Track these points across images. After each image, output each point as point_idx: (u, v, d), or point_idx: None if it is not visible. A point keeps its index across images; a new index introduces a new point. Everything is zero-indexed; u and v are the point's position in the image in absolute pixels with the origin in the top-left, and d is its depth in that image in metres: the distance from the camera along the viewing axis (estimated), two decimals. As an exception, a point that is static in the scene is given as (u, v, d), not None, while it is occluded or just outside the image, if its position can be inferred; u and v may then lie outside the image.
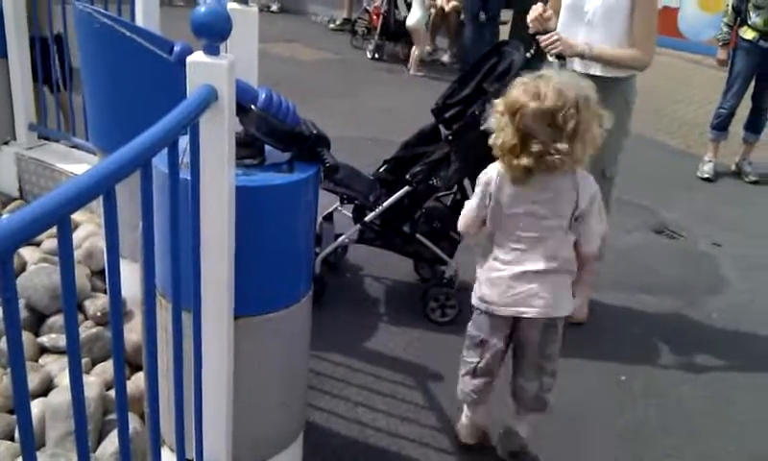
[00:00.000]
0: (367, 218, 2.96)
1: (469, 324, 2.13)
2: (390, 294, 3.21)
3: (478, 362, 2.09)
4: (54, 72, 3.25)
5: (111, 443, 1.87)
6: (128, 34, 1.92)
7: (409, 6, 7.47)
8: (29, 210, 0.86)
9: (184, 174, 1.34)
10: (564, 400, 2.46)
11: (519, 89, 1.85)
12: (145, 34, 1.93)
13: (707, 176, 5.26)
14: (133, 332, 2.17)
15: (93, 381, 2.01)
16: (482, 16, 6.82)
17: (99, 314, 2.33)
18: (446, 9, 7.79)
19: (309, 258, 1.84)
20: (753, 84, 5.15)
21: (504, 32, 7.06)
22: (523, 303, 1.96)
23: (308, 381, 2.11)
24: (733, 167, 5.46)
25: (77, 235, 2.69)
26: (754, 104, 5.23)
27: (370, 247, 3.12)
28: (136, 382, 2.06)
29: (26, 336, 2.19)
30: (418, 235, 2.97)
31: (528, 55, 2.79)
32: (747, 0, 4.97)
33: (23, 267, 2.48)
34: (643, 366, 2.89)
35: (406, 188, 2.89)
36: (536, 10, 2.79)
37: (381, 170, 3.19)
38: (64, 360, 2.03)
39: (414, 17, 7.28)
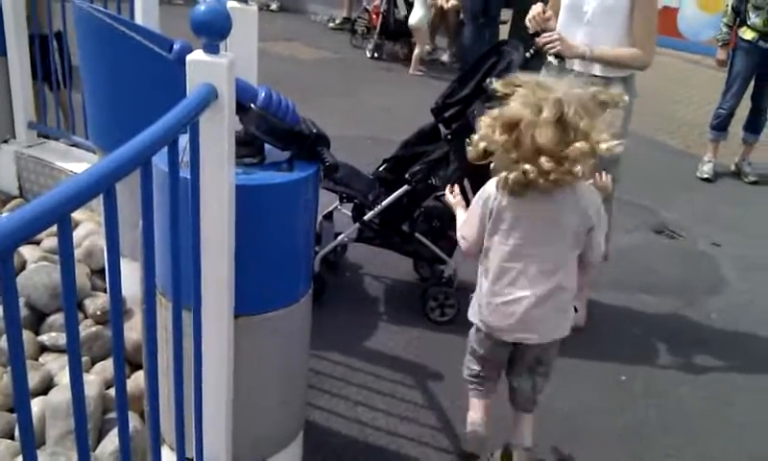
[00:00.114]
0: (366, 217, 2.96)
1: (471, 334, 2.09)
2: (389, 293, 3.21)
3: (479, 371, 2.10)
4: (53, 70, 3.25)
5: (111, 441, 1.87)
6: (127, 32, 1.91)
7: (408, 5, 7.46)
8: (29, 209, 0.86)
9: (184, 172, 1.34)
10: (564, 400, 2.46)
11: (519, 102, 1.76)
12: (144, 32, 1.93)
13: (706, 176, 5.26)
14: (133, 331, 2.17)
15: (93, 380, 2.01)
16: (481, 19, 6.83)
17: (99, 313, 2.33)
18: (446, 7, 7.78)
19: (309, 257, 1.84)
20: (752, 84, 5.15)
21: (504, 31, 7.05)
22: (525, 328, 1.92)
23: (308, 380, 2.11)
24: (733, 167, 5.46)
25: (77, 234, 2.69)
26: (753, 104, 5.23)
27: (369, 246, 3.12)
28: (136, 381, 2.06)
29: (26, 335, 2.19)
30: (417, 234, 2.97)
31: (528, 54, 2.79)
32: (746, 0, 4.97)
33: (23, 265, 2.48)
34: (643, 366, 2.89)
35: (405, 187, 2.89)
36: (535, 9, 2.79)
37: (381, 169, 3.20)
38: (64, 359, 2.03)
39: (416, 16, 7.28)
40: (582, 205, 1.85)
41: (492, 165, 1.86)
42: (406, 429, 2.35)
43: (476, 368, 2.10)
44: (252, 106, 1.59)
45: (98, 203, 1.53)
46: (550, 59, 2.77)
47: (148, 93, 1.67)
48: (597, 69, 2.76)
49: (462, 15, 7.70)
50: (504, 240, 1.87)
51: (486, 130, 1.80)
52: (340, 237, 3.05)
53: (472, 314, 2.04)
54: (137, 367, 2.11)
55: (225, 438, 1.64)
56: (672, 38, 7.03)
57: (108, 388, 2.03)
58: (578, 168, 1.72)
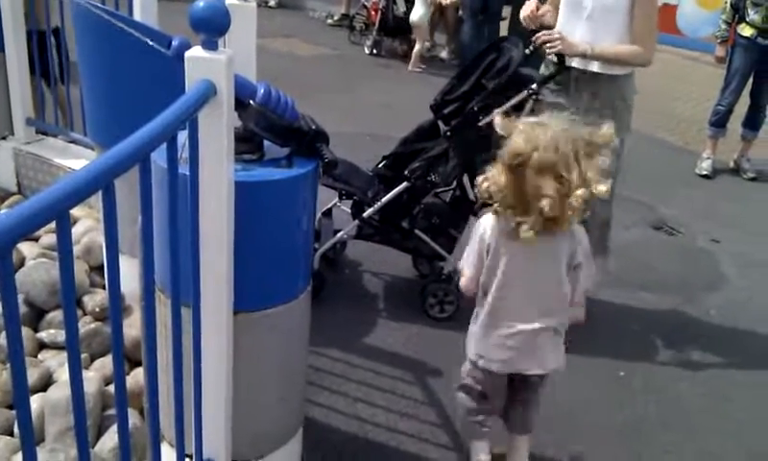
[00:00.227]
0: (365, 214, 2.95)
1: (465, 372, 2.06)
2: (389, 290, 3.21)
3: (478, 406, 2.06)
4: (51, 66, 3.24)
5: (111, 438, 1.88)
6: (126, 28, 1.91)
7: (407, 1, 7.45)
8: (27, 205, 0.86)
9: (183, 169, 1.33)
10: (564, 397, 2.46)
11: (521, 138, 1.75)
12: (143, 28, 1.92)
13: (705, 173, 5.27)
14: (132, 328, 2.17)
15: (92, 377, 2.01)
16: (480, 16, 6.81)
17: (98, 310, 2.33)
18: (444, 3, 7.77)
19: (308, 254, 1.83)
20: (751, 80, 5.15)
21: (504, 28, 7.04)
22: (523, 362, 1.93)
23: (307, 377, 2.11)
24: (732, 164, 5.46)
25: (75, 231, 2.69)
26: (752, 101, 5.24)
27: (368, 243, 3.12)
28: (135, 378, 2.06)
29: (25, 332, 2.19)
30: (416, 231, 2.97)
31: (527, 51, 2.79)
32: (745, -3, 4.98)
33: (22, 262, 2.48)
34: (642, 362, 2.89)
35: (405, 184, 2.88)
36: (527, 7, 2.79)
37: (380, 166, 3.19)
38: (63, 355, 2.03)
39: (417, 13, 7.26)
40: (573, 243, 1.87)
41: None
42: (406, 426, 2.35)
43: (474, 405, 2.06)
44: (251, 102, 1.59)
45: (96, 199, 1.53)
46: (550, 57, 2.77)
47: (146, 90, 1.66)
48: (596, 66, 2.76)
49: (461, 12, 7.69)
50: (502, 275, 1.87)
51: (493, 173, 1.80)
52: (339, 234, 3.05)
53: (470, 349, 2.01)
54: (136, 364, 2.11)
55: (224, 434, 1.64)
56: (671, 35, 7.02)
57: (107, 385, 2.03)
58: (576, 212, 1.74)
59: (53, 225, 0.91)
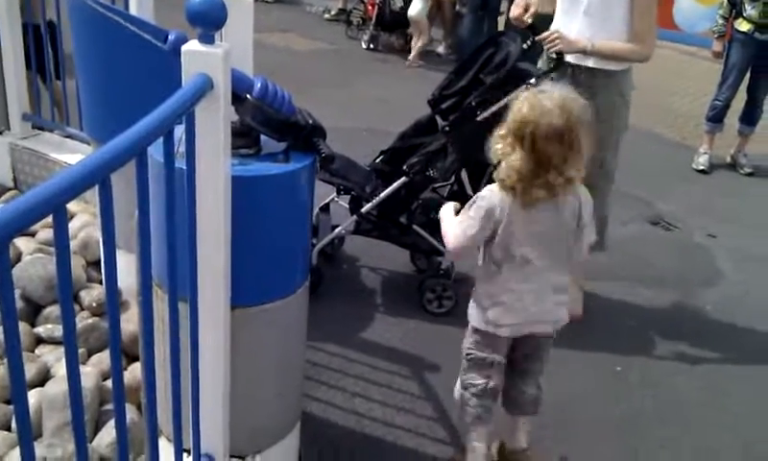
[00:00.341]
0: (363, 209, 2.95)
1: (470, 347, 2.03)
2: (386, 285, 3.21)
3: (486, 383, 2.02)
4: (47, 62, 3.22)
5: (108, 433, 1.87)
6: (122, 22, 1.90)
7: (405, -4, 7.44)
8: (23, 200, 0.86)
9: (180, 163, 1.33)
10: (560, 391, 2.47)
11: (525, 106, 1.78)
12: (139, 22, 1.91)
13: (702, 168, 5.27)
14: (129, 323, 2.17)
15: (89, 372, 2.00)
16: (480, 11, 6.81)
17: (95, 305, 2.32)
18: (442, -2, 7.76)
19: (306, 249, 1.83)
20: (748, 76, 5.15)
21: (500, 24, 7.03)
22: (536, 321, 1.95)
23: (305, 372, 2.11)
24: (729, 159, 5.47)
25: (72, 226, 2.68)
26: (749, 96, 5.24)
27: (366, 238, 3.12)
28: (133, 373, 2.06)
29: (22, 327, 2.18)
30: (414, 226, 2.97)
31: (524, 46, 2.78)
32: (742, -8, 4.97)
33: (18, 257, 2.47)
34: (639, 357, 2.90)
35: (403, 179, 2.88)
36: (514, 12, 2.78)
37: (378, 161, 3.19)
38: (61, 351, 2.03)
39: (415, 8, 7.25)
40: (579, 205, 1.90)
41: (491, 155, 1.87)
42: (403, 420, 2.35)
43: (481, 381, 2.02)
44: (248, 96, 1.58)
45: (92, 194, 1.52)
46: (549, 55, 2.76)
47: (143, 84, 1.65)
48: (591, 62, 2.75)
49: (458, 7, 7.68)
50: (512, 244, 1.88)
51: (503, 148, 1.82)
52: (337, 229, 3.05)
53: (478, 319, 1.99)
54: (134, 359, 2.11)
55: (222, 429, 1.64)
56: (668, 30, 7.01)
57: (104, 380, 2.03)
58: (583, 174, 1.78)
59: (49, 220, 0.91)
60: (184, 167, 1.35)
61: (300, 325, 1.87)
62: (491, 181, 1.93)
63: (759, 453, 2.46)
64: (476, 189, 2.38)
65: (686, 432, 2.50)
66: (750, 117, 5.28)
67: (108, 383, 1.99)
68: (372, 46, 7.73)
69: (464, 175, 3.02)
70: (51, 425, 1.86)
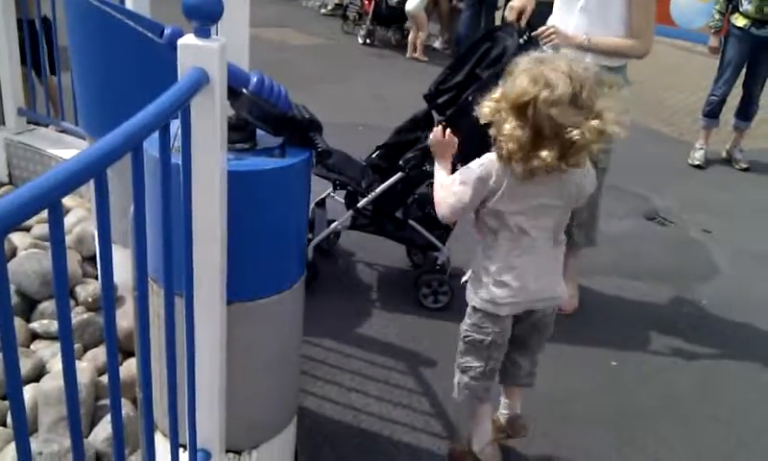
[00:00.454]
0: (359, 204, 2.95)
1: (467, 329, 2.00)
2: (382, 280, 3.21)
3: (485, 365, 2.00)
4: (42, 58, 3.21)
5: (104, 428, 1.87)
6: (118, 16, 1.89)
7: (401, -9, 7.43)
8: (18, 194, 0.85)
9: (176, 158, 1.33)
10: (555, 385, 2.47)
11: (525, 78, 1.70)
12: (135, 17, 1.90)
13: (698, 163, 5.29)
14: (125, 318, 2.16)
15: (85, 367, 2.00)
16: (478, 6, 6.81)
17: (90, 300, 2.32)
18: (438, -7, 7.76)
19: (302, 243, 1.83)
20: (744, 71, 5.16)
21: (497, 20, 7.03)
22: (538, 295, 1.94)
23: (301, 367, 2.12)
24: (724, 154, 5.48)
25: (67, 220, 2.67)
26: (744, 91, 5.25)
27: (362, 233, 3.12)
28: (128, 368, 2.05)
29: (17, 322, 2.18)
30: (410, 221, 2.97)
31: (521, 41, 2.78)
32: (739, -13, 4.98)
33: (13, 253, 2.46)
34: (634, 352, 2.91)
35: (399, 174, 2.88)
36: (512, 12, 2.77)
37: (374, 156, 3.19)
38: (56, 346, 2.02)
39: (413, 3, 7.24)
40: (581, 181, 1.89)
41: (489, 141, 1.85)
42: (399, 415, 2.36)
43: (479, 364, 2.00)
44: (244, 90, 1.58)
45: (87, 189, 1.52)
46: (546, 49, 2.76)
47: (138, 79, 1.65)
48: (588, 57, 2.75)
49: (455, 2, 7.67)
50: (512, 216, 1.86)
51: (495, 115, 1.77)
52: (333, 225, 3.05)
53: (478, 299, 1.95)
54: (129, 354, 2.10)
55: (218, 424, 1.64)
56: (665, 26, 7.02)
57: (100, 375, 2.03)
58: (592, 150, 1.73)
59: (44, 215, 0.91)
60: (180, 162, 1.35)
61: (296, 320, 1.87)
62: None
63: (754, 448, 2.47)
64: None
65: (682, 426, 2.52)
66: (745, 112, 5.29)
67: (104, 378, 1.99)
68: (368, 41, 7.73)
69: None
70: (47, 421, 1.86)
